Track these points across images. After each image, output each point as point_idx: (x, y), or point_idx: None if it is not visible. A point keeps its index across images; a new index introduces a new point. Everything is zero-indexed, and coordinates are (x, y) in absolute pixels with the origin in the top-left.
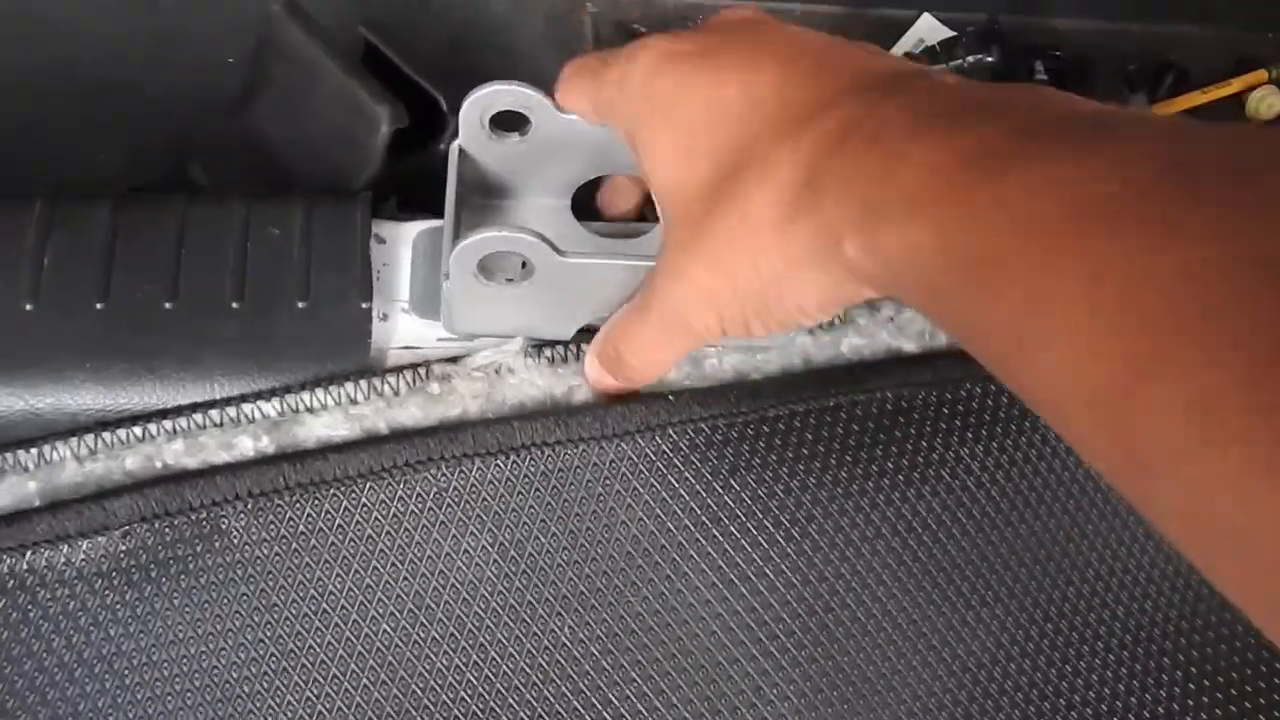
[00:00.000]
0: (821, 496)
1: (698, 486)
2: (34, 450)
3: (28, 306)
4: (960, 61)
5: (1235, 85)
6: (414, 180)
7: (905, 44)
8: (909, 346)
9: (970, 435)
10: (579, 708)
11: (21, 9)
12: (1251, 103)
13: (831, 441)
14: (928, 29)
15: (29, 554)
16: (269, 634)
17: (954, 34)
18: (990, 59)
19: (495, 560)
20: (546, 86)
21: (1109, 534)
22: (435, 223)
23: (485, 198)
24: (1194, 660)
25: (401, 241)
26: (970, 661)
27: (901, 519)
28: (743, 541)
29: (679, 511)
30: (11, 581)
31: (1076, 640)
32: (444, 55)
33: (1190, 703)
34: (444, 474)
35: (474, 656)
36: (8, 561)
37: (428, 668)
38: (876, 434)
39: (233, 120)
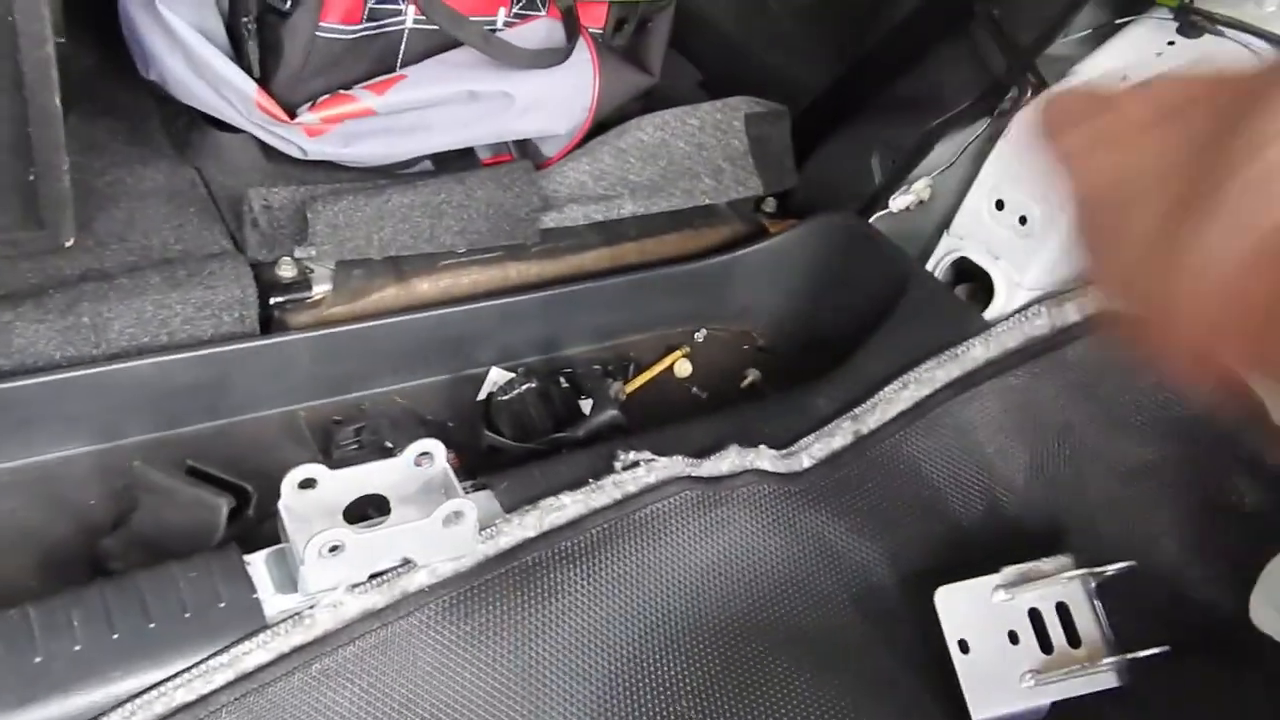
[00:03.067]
0: None
1: None
2: None
3: None
4: (519, 390)
5: (666, 362)
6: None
7: (485, 387)
8: None
9: None
10: None
11: None
12: (676, 369)
13: None
14: (498, 375)
15: None
16: None
17: (512, 378)
18: (533, 384)
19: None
20: (284, 466)
21: None
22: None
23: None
24: None
25: (258, 563)
26: None
27: None
28: None
29: None
30: None
31: None
32: (245, 463)
33: None
34: None
35: None
36: None
37: None
38: None
39: (119, 534)
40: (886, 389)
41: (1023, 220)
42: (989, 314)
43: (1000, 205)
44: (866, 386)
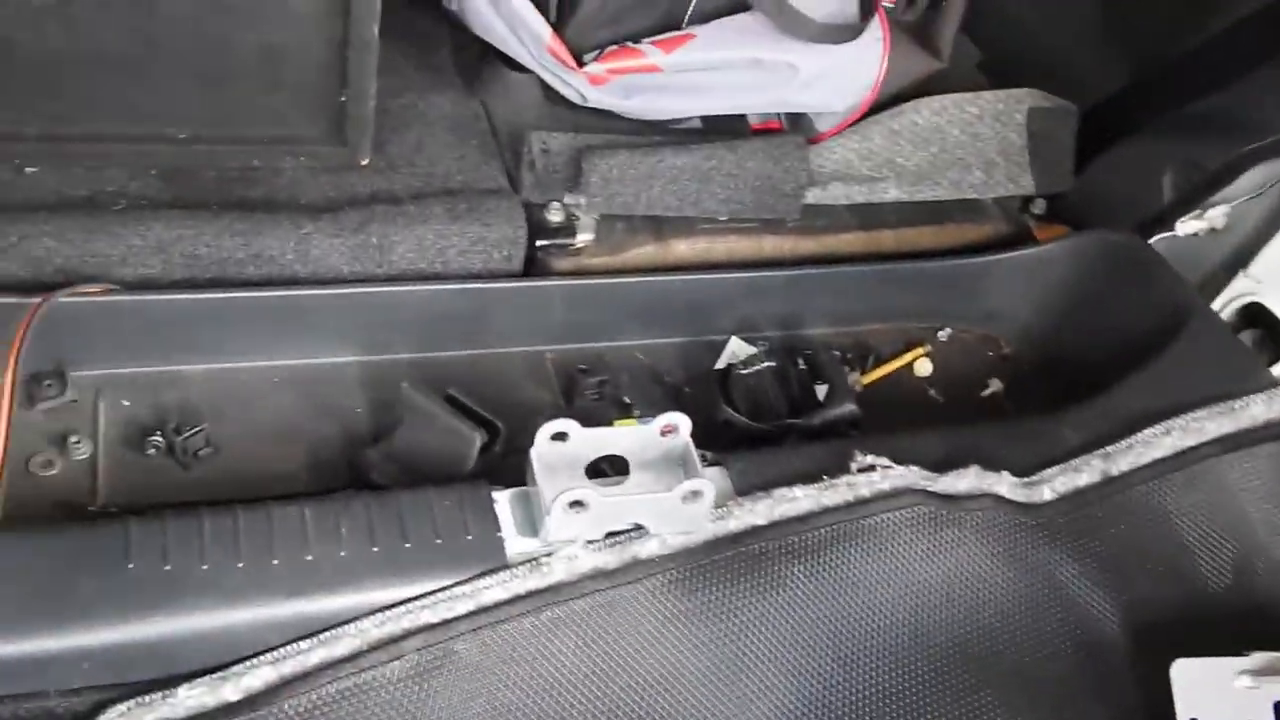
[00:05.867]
0: None
1: None
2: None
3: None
4: (758, 367)
5: (906, 358)
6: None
7: (724, 358)
8: None
9: None
10: None
11: None
12: (916, 366)
13: None
14: (738, 347)
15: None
16: None
17: (754, 350)
18: (773, 363)
19: None
20: (527, 406)
21: None
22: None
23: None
24: None
25: (503, 502)
26: None
27: None
28: None
29: None
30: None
31: None
32: (492, 398)
33: None
34: None
35: None
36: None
37: None
38: None
39: (381, 447)
40: (1146, 431)
41: None
42: (1278, 370)
43: None
44: (1123, 425)
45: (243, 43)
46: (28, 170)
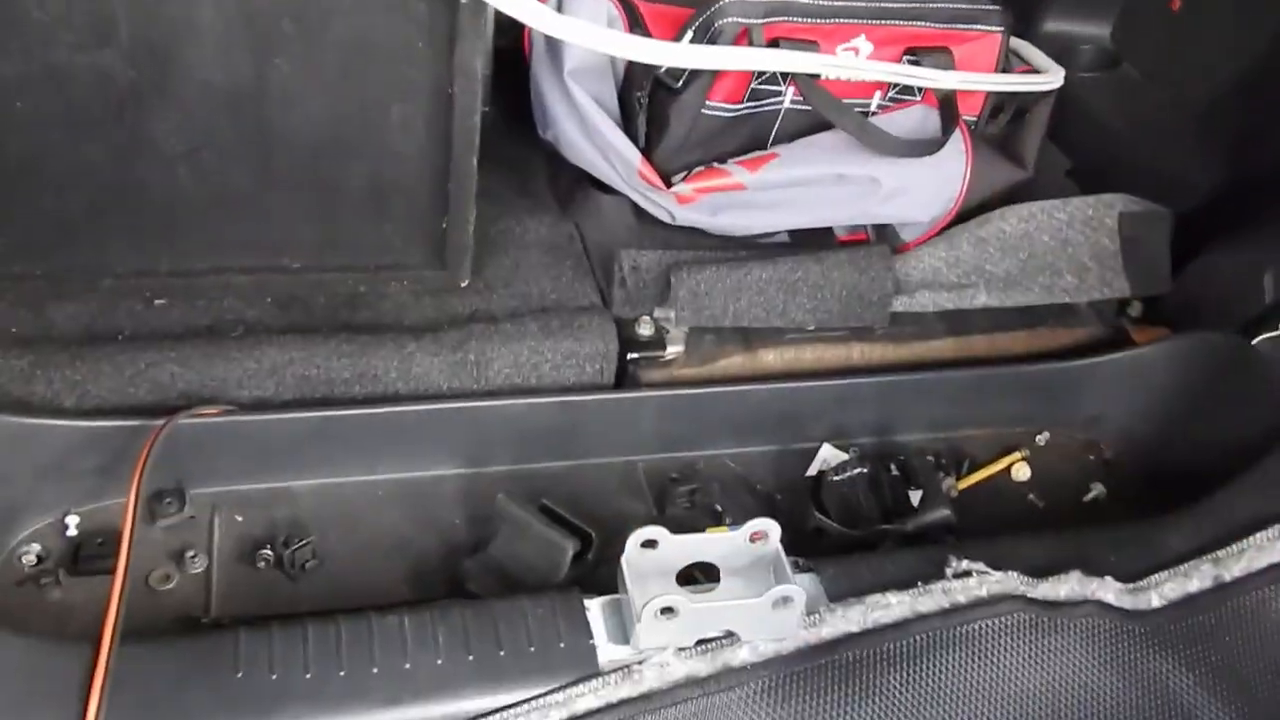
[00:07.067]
0: None
1: None
2: None
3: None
4: (851, 473)
5: (1003, 462)
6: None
7: (816, 464)
8: None
9: None
10: None
11: None
12: (1014, 471)
13: None
14: (830, 454)
15: None
16: None
17: (845, 456)
18: (865, 469)
19: None
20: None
21: None
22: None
23: None
24: None
25: (595, 609)
26: None
27: None
28: None
29: None
30: None
31: None
32: (586, 508)
33: None
34: None
35: None
36: None
37: None
38: None
39: (478, 558)
40: (1257, 535)
41: None
42: None
43: None
44: (1232, 529)
45: (352, 178)
46: (156, 303)
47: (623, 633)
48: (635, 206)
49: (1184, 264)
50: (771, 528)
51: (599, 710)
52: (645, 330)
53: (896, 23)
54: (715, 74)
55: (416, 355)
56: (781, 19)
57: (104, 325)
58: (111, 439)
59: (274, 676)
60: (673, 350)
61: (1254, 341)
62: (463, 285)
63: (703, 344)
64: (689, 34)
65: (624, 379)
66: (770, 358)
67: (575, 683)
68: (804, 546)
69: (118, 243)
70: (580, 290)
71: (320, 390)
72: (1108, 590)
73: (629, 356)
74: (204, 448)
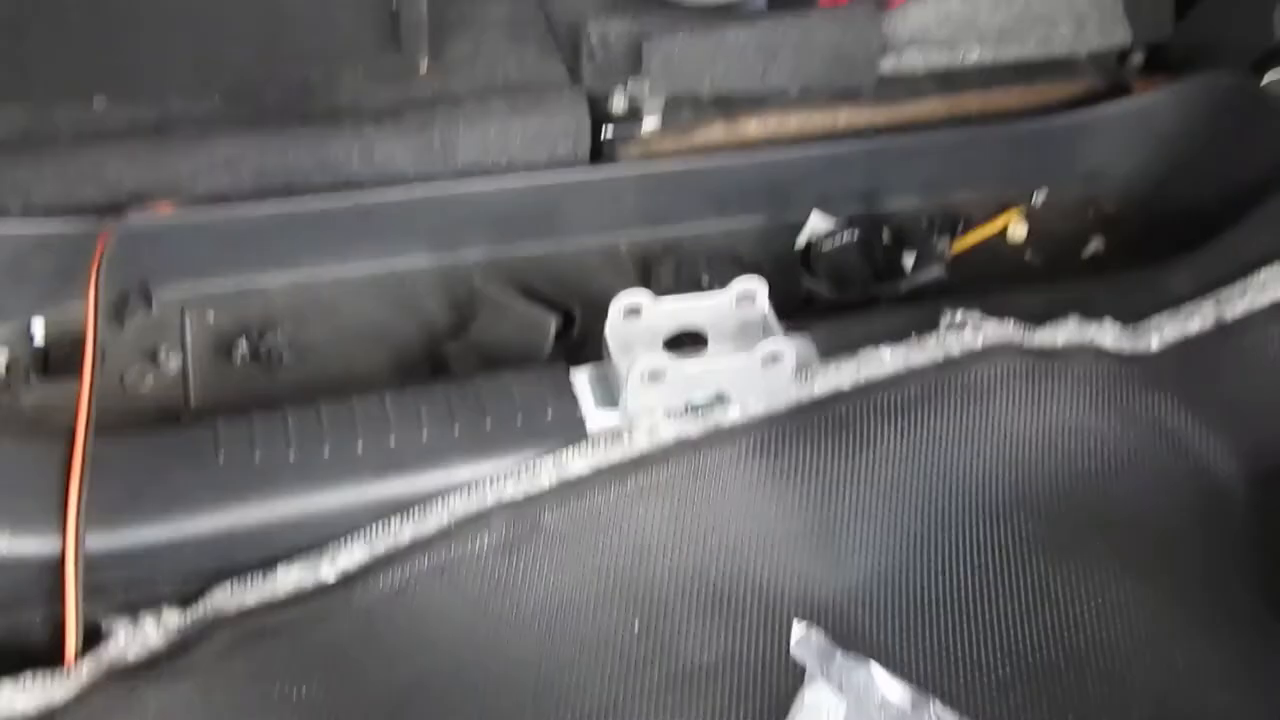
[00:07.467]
0: None
1: None
2: None
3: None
4: (840, 236)
5: (999, 222)
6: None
7: (805, 233)
8: None
9: None
10: None
11: None
12: (1010, 230)
13: None
14: (819, 221)
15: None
16: None
17: (833, 227)
18: (856, 235)
19: None
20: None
21: None
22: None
23: None
24: None
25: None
26: None
27: None
28: None
29: None
30: None
31: None
32: (570, 289)
33: None
34: None
35: None
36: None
37: None
38: None
39: (459, 341)
40: (1262, 273)
41: None
42: None
43: None
44: (1235, 268)
45: None
46: (96, 101)
47: (611, 399)
48: None
49: (1187, 8)
50: (759, 286)
51: (591, 474)
52: (619, 103)
53: None
54: None
55: (378, 140)
56: None
57: (41, 128)
58: (65, 241)
59: (257, 459)
60: (649, 123)
61: (1263, 82)
62: (422, 71)
63: (680, 115)
64: None
65: (600, 156)
66: (752, 126)
67: (565, 447)
68: (797, 315)
69: (47, 39)
70: (548, 69)
71: (279, 181)
72: (1106, 334)
73: (604, 130)
74: (166, 246)
